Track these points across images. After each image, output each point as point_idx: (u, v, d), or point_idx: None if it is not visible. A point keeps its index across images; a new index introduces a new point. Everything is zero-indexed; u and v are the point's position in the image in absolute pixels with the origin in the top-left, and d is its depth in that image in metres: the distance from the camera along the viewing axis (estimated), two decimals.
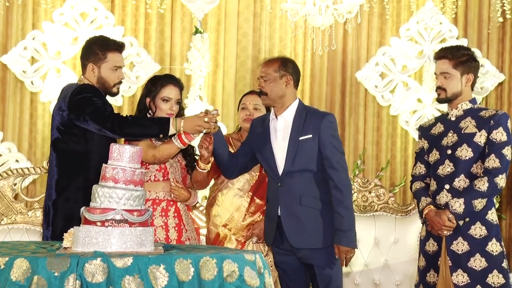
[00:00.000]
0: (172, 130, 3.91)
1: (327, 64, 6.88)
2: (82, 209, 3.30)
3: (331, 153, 4.13)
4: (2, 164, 6.23)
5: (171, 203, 4.34)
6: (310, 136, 4.13)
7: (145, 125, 4.02)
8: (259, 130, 4.31)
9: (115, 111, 6.13)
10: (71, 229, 3.33)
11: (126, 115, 4.13)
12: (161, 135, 3.88)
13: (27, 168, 5.61)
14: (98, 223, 3.23)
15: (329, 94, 6.90)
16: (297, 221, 4.15)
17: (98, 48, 4.21)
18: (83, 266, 2.92)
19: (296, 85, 4.26)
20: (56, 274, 2.91)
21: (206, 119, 3.94)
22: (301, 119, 4.18)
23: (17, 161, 6.28)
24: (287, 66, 4.22)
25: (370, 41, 6.90)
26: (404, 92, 6.68)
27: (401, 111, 6.70)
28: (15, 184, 5.43)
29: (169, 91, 4.32)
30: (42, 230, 4.25)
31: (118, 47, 4.27)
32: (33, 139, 6.43)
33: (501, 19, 6.68)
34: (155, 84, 4.36)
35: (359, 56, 6.87)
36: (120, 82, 4.28)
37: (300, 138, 4.14)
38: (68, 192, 4.07)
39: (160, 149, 4.15)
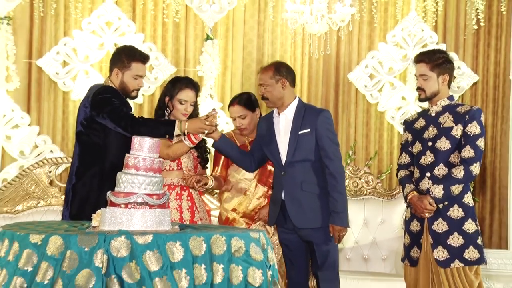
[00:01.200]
0: (177, 131, 3.94)
1: (322, 67, 6.86)
2: (108, 193, 3.32)
3: (327, 145, 4.15)
4: (38, 154, 6.24)
5: (184, 188, 4.36)
6: (308, 130, 4.16)
7: (153, 126, 4.02)
8: (265, 128, 4.34)
9: (136, 108, 6.27)
10: (99, 210, 3.36)
11: (138, 117, 4.15)
12: (167, 136, 3.88)
13: (60, 158, 5.63)
14: (122, 205, 3.25)
15: (324, 93, 6.89)
16: (299, 204, 4.17)
17: (125, 57, 4.22)
18: (109, 242, 2.94)
19: (292, 85, 4.27)
20: (86, 249, 2.93)
21: (207, 122, 3.97)
22: (300, 115, 4.21)
23: (51, 151, 6.29)
24: (280, 71, 4.24)
25: (360, 46, 6.88)
26: (390, 91, 6.67)
27: (388, 108, 6.70)
28: (50, 172, 5.44)
29: (186, 94, 4.34)
30: None
31: (143, 58, 4.27)
32: (65, 132, 6.44)
33: (475, 27, 6.66)
34: (174, 86, 4.37)
35: (351, 59, 6.86)
36: (138, 89, 4.28)
37: (300, 132, 4.17)
38: (85, 178, 4.09)
39: (173, 149, 4.18)
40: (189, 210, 4.35)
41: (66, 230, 3.23)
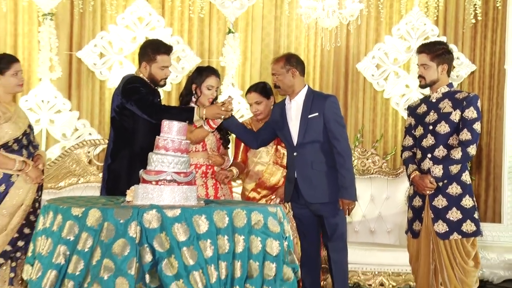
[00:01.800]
0: (196, 117, 3.94)
1: (333, 58, 6.83)
2: (141, 171, 3.34)
3: (334, 127, 4.15)
4: (78, 137, 6.28)
5: (209, 167, 4.38)
6: (317, 114, 4.16)
7: (175, 113, 4.02)
8: (278, 114, 4.34)
9: (165, 96, 6.29)
10: (132, 186, 3.38)
11: (162, 105, 4.21)
12: (187, 121, 3.90)
13: (98, 140, 5.67)
14: (153, 182, 3.27)
15: (335, 82, 6.85)
16: (310, 182, 4.18)
17: (151, 51, 4.21)
18: (142, 215, 2.96)
19: (302, 74, 4.27)
20: (121, 221, 2.95)
21: (223, 108, 3.97)
22: (309, 101, 4.21)
23: (90, 134, 6.32)
24: (290, 61, 4.24)
25: (368, 39, 6.83)
26: (395, 79, 6.62)
27: (393, 95, 6.66)
28: (88, 152, 5.48)
29: (212, 81, 4.36)
30: None
31: (167, 50, 4.26)
32: (102, 117, 6.46)
33: (473, 21, 6.59)
34: (201, 74, 4.38)
35: (359, 51, 6.81)
36: (166, 78, 4.28)
37: (309, 116, 4.18)
38: (118, 159, 4.13)
39: (194, 133, 4.20)
40: (214, 187, 4.37)
41: (104, 204, 3.26)
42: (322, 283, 4.64)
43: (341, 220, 4.25)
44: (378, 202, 5.42)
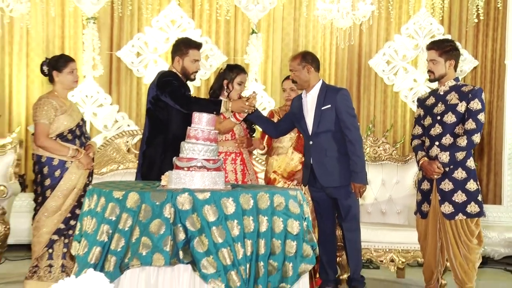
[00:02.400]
0: (222, 109, 3.93)
1: (347, 55, 6.78)
2: (174, 158, 3.33)
3: (346, 117, 4.13)
4: (118, 128, 6.31)
5: (238, 154, 4.36)
6: (329, 106, 4.14)
7: (204, 104, 4.03)
8: (296, 106, 4.32)
9: (195, 90, 6.28)
10: (167, 172, 3.37)
11: (193, 96, 4.19)
12: (214, 112, 3.87)
13: (135, 130, 5.68)
14: (185, 168, 3.26)
15: (349, 77, 6.82)
16: (324, 167, 4.16)
17: (183, 46, 4.20)
18: (176, 198, 2.96)
19: (317, 70, 4.26)
20: (157, 203, 2.95)
21: (247, 103, 3.96)
22: (323, 94, 4.19)
23: (128, 125, 6.35)
24: (306, 59, 4.22)
25: (379, 38, 6.78)
26: (404, 74, 6.55)
27: (401, 88, 6.59)
28: (127, 142, 5.49)
29: (243, 77, 4.37)
30: None
31: (197, 46, 4.26)
32: (139, 110, 6.49)
33: (476, 20, 6.50)
34: (233, 71, 4.38)
35: (371, 48, 6.76)
36: (197, 71, 4.27)
37: (322, 108, 4.16)
38: (152, 146, 4.11)
39: (223, 124, 4.20)
40: (242, 172, 4.36)
41: (141, 188, 3.26)
42: (337, 259, 4.61)
43: (354, 202, 4.22)
44: (388, 186, 5.35)
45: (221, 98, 4.30)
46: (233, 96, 4.30)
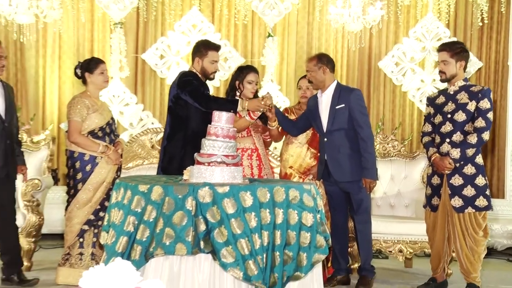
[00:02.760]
0: (239, 108, 3.91)
1: (358, 57, 6.73)
2: (195, 154, 3.32)
3: (358, 116, 4.11)
4: (143, 126, 6.33)
5: (254, 150, 4.34)
6: (343, 105, 4.12)
7: (222, 103, 4.00)
8: (312, 105, 4.30)
9: (215, 90, 6.27)
10: (189, 167, 3.36)
11: (211, 95, 4.16)
12: (231, 111, 3.85)
13: (159, 128, 5.67)
14: (206, 164, 3.25)
15: (359, 78, 6.76)
16: (338, 163, 4.14)
17: (203, 47, 4.18)
18: (197, 191, 2.94)
19: (332, 71, 4.23)
20: (180, 196, 2.94)
21: (262, 102, 3.94)
22: (337, 94, 4.17)
23: (152, 123, 6.36)
24: (322, 60, 4.21)
25: (388, 40, 6.71)
26: (411, 75, 6.48)
27: (409, 89, 6.53)
28: (151, 138, 5.49)
29: (252, 76, 4.32)
30: None
31: (216, 47, 4.23)
32: (162, 109, 6.48)
33: (480, 24, 6.42)
34: (242, 71, 4.35)
35: (380, 51, 6.70)
36: (215, 72, 4.25)
37: (337, 107, 4.13)
38: (173, 141, 4.09)
39: (238, 123, 4.15)
40: (258, 167, 4.33)
41: (165, 182, 3.25)
42: (349, 249, 4.58)
43: (365, 196, 4.19)
44: (397, 181, 5.31)
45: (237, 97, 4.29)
46: (247, 95, 4.27)
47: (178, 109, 4.09)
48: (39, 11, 5.95)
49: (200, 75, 4.15)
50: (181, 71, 4.31)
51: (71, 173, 4.14)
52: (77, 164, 4.11)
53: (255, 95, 4.33)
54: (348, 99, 4.11)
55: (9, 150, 4.06)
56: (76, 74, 4.29)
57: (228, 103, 3.99)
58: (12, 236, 4.15)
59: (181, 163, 3.77)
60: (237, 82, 4.33)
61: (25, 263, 4.48)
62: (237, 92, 4.33)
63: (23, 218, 4.70)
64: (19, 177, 4.34)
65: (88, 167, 4.12)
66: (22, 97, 6.33)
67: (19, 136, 4.46)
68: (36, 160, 5.10)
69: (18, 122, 4.38)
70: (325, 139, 4.18)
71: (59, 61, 6.48)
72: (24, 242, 4.63)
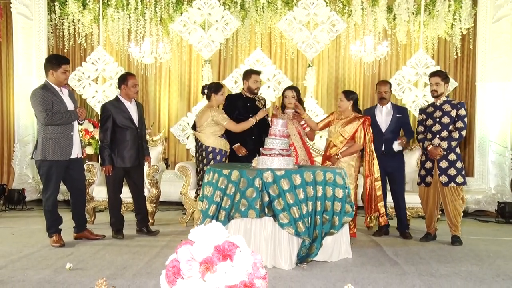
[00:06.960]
0: (253, 122, 4.01)
1: (371, 80, 6.47)
2: (261, 149, 3.27)
3: (407, 123, 4.23)
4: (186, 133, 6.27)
5: (291, 145, 4.01)
6: (401, 116, 4.18)
7: (243, 121, 4.03)
8: (369, 113, 4.20)
9: (271, 104, 6.09)
10: (256, 157, 3.33)
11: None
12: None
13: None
14: (268, 155, 3.20)
15: (372, 95, 6.48)
16: (392, 152, 4.15)
17: (248, 72, 4.21)
18: (262, 174, 2.92)
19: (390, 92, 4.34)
20: (251, 177, 2.93)
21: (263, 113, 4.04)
22: (393, 108, 4.26)
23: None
24: (390, 87, 4.36)
25: (391, 68, 6.43)
26: (408, 92, 6.12)
27: (407, 101, 6.17)
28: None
29: (287, 93, 4.12)
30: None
31: (257, 73, 4.21)
32: None
33: (455, 56, 6.13)
34: (284, 92, 4.19)
35: (386, 75, 6.42)
36: (258, 88, 4.20)
37: (397, 116, 4.19)
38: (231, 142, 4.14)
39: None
40: (295, 157, 4.03)
41: (240, 168, 3.22)
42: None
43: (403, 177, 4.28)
44: None
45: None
46: (288, 106, 4.09)
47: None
48: (157, 55, 6.07)
49: (246, 93, 4.13)
50: (227, 94, 4.26)
51: (205, 162, 4.08)
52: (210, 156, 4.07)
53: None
54: (403, 112, 4.26)
55: (140, 147, 4.11)
56: (203, 92, 4.20)
57: (249, 121, 4.03)
58: (142, 202, 4.22)
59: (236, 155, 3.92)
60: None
61: (150, 220, 4.55)
62: (282, 104, 4.16)
63: (148, 191, 4.78)
64: (146, 164, 4.39)
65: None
66: (145, 111, 6.47)
67: (146, 137, 4.52)
68: (155, 153, 5.18)
69: (145, 128, 4.43)
70: (384, 137, 4.16)
71: (168, 87, 6.58)
72: (149, 206, 4.71)
